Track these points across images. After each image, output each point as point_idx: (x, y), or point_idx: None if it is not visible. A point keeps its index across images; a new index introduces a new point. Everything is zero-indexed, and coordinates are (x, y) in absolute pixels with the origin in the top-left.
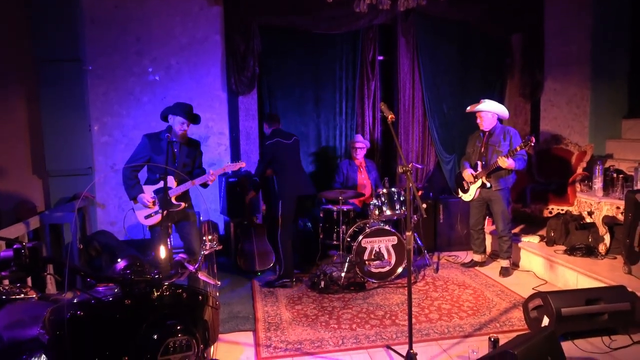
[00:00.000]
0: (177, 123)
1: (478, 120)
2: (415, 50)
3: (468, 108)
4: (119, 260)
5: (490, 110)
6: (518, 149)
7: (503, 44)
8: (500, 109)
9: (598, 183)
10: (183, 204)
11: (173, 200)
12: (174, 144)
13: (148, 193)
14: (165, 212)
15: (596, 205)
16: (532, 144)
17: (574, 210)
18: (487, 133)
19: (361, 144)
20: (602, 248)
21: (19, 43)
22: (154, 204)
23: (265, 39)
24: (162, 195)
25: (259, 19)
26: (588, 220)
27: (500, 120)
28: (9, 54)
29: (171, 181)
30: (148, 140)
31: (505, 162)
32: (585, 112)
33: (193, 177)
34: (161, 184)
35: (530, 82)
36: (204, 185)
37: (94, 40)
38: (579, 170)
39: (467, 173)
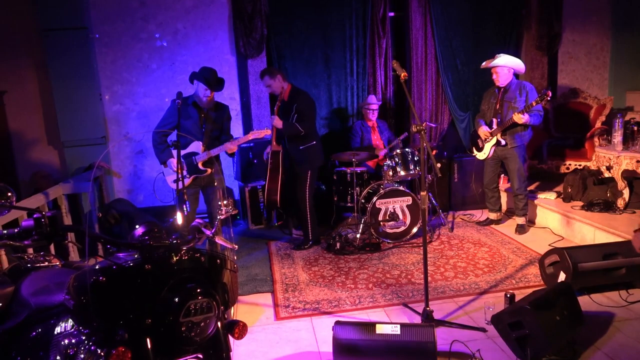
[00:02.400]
0: (201, 89)
1: (494, 77)
2: (428, 5)
3: (483, 64)
4: (137, 227)
5: (505, 64)
6: (534, 104)
7: None
8: (516, 63)
9: (617, 137)
10: (209, 170)
11: (200, 166)
12: (201, 108)
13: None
14: (192, 177)
15: (615, 159)
16: (549, 98)
17: (592, 165)
18: (502, 89)
19: (376, 105)
20: (620, 203)
21: (23, 13)
22: (182, 168)
23: None
24: (189, 160)
25: None
26: (606, 175)
27: (516, 75)
28: (13, 25)
29: (198, 147)
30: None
31: (521, 118)
32: (605, 64)
33: (220, 142)
34: (189, 149)
35: (547, 33)
36: (231, 154)
37: (98, 7)
38: (598, 124)
39: (483, 130)
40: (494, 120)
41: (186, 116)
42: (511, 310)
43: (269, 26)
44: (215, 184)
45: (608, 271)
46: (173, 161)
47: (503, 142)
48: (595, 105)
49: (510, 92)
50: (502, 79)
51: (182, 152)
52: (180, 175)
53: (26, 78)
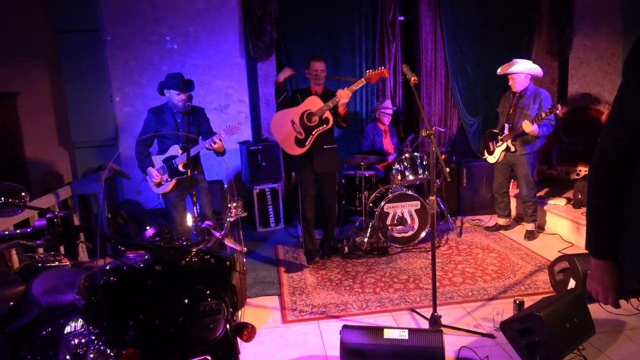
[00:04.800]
0: (174, 95)
1: (510, 82)
2: (438, 9)
3: (499, 70)
4: (147, 227)
5: (523, 71)
6: (543, 115)
7: None
8: (534, 69)
9: None
10: (189, 171)
11: (180, 168)
12: (175, 114)
13: (157, 163)
14: (174, 180)
15: None
16: (558, 112)
17: None
18: (517, 94)
19: (391, 110)
20: None
21: (35, 15)
22: (161, 178)
23: (282, 1)
24: (170, 164)
25: None
26: None
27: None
28: (26, 27)
29: (176, 149)
30: (152, 115)
31: (529, 127)
32: (617, 69)
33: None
34: (168, 153)
35: (558, 38)
36: (219, 153)
37: (109, 9)
38: None
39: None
40: (506, 125)
41: (163, 123)
42: (520, 317)
43: (279, 29)
44: (201, 183)
45: None
46: (151, 170)
47: (512, 149)
48: (606, 111)
49: (525, 99)
50: (518, 85)
51: (162, 157)
52: (188, 176)
53: (38, 79)
